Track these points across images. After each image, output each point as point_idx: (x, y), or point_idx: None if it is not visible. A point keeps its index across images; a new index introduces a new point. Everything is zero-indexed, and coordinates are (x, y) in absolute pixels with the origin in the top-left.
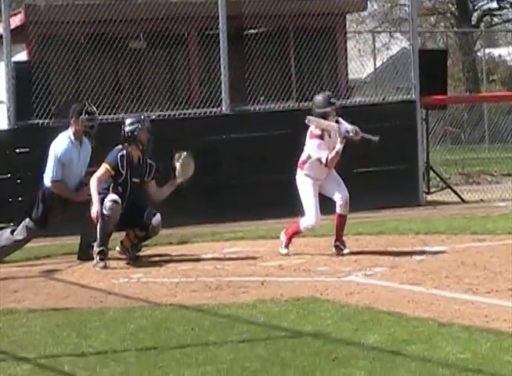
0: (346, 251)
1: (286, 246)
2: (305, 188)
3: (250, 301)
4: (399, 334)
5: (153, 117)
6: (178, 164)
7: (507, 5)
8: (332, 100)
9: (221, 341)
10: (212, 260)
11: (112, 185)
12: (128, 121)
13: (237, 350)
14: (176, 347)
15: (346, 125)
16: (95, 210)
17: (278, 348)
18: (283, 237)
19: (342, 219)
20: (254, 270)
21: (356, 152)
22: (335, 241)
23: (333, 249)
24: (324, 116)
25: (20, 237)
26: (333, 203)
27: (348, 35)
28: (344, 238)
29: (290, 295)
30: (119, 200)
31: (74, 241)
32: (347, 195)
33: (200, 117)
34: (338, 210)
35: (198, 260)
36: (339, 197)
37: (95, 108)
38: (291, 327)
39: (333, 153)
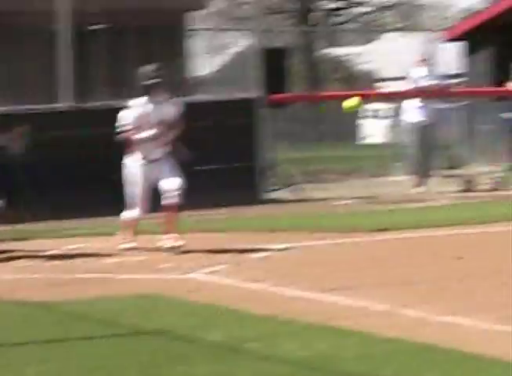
0: (177, 243)
1: (128, 240)
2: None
3: (91, 298)
4: (239, 331)
5: None
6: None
7: (347, 6)
8: (156, 74)
9: (59, 338)
10: (53, 257)
11: None
12: None
13: (76, 347)
14: (14, 345)
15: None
16: None
17: (117, 346)
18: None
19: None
20: (95, 267)
21: (196, 149)
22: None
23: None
24: (147, 90)
25: None
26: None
27: (191, 33)
28: (182, 235)
29: (131, 292)
30: None
31: None
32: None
33: (39, 113)
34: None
35: (38, 257)
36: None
37: None
38: (132, 324)
39: (125, 135)
